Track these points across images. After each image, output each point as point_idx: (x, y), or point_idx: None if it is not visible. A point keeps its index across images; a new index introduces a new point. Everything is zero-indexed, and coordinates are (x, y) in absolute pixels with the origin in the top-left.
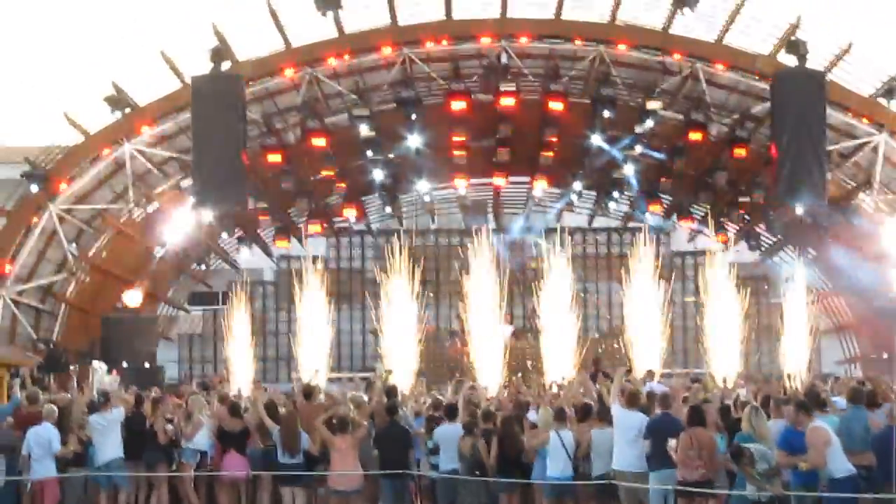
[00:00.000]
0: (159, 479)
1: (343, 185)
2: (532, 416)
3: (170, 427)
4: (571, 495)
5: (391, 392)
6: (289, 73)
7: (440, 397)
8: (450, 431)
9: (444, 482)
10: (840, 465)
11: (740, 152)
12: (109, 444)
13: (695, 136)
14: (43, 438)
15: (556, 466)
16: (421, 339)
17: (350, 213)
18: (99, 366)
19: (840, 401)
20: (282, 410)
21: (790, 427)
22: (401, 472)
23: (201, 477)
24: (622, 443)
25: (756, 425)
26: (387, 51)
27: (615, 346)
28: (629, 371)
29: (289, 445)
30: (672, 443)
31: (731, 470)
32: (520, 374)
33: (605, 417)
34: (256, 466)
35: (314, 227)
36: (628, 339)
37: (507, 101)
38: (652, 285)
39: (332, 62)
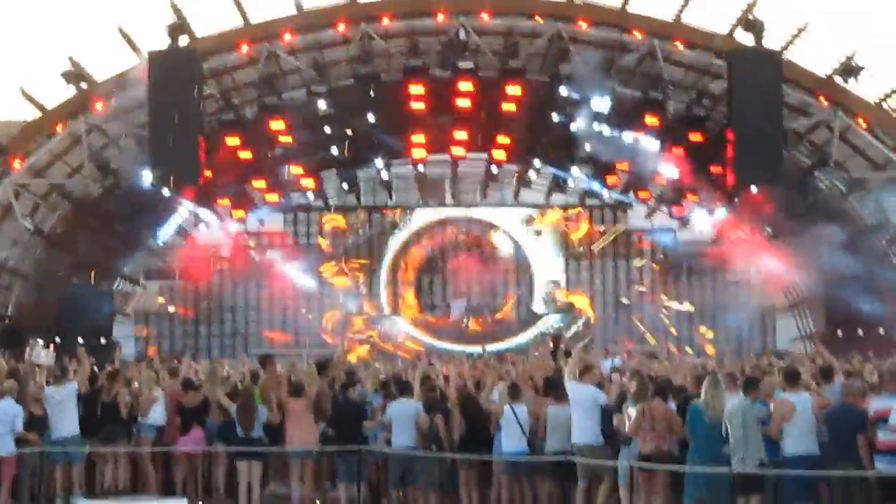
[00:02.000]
0: (118, 453)
1: (300, 161)
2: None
3: (128, 399)
4: (527, 471)
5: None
6: (246, 48)
7: (392, 373)
8: (404, 407)
9: (397, 458)
10: (796, 441)
11: (696, 136)
12: (65, 419)
13: (651, 119)
14: (7, 415)
15: (510, 441)
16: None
17: (308, 184)
18: (34, 342)
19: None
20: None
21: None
22: (355, 447)
23: (157, 451)
24: (578, 416)
25: (712, 395)
26: (344, 27)
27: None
28: (585, 348)
29: (245, 421)
30: (630, 411)
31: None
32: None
33: (561, 394)
34: (213, 440)
35: (272, 197)
36: (589, 316)
37: (465, 85)
38: (610, 264)
39: (290, 38)
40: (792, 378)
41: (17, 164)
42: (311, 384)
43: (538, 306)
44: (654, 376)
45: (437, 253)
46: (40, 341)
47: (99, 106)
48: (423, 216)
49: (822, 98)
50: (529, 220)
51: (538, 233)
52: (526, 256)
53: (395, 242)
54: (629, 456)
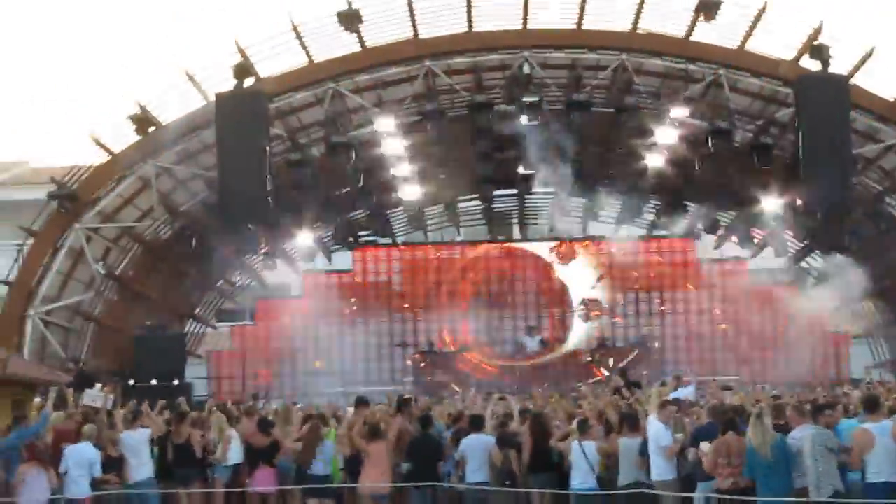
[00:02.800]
0: (192, 494)
1: (368, 199)
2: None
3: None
4: None
5: (406, 405)
6: (312, 88)
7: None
8: (477, 442)
9: (472, 493)
10: (877, 469)
11: (765, 165)
12: (140, 463)
13: (719, 143)
14: (83, 458)
15: (578, 477)
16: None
17: (374, 222)
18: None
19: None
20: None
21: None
22: (431, 483)
23: (231, 492)
24: (652, 452)
25: (757, 431)
26: (409, 64)
27: (647, 354)
28: (664, 383)
29: (305, 458)
30: (703, 446)
31: None
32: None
33: (633, 426)
34: (287, 479)
35: (339, 236)
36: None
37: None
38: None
39: (355, 77)
40: (871, 406)
41: (88, 208)
42: (390, 424)
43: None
44: (726, 409)
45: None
46: (97, 385)
47: (167, 149)
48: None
49: (891, 122)
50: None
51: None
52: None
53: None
54: (706, 490)
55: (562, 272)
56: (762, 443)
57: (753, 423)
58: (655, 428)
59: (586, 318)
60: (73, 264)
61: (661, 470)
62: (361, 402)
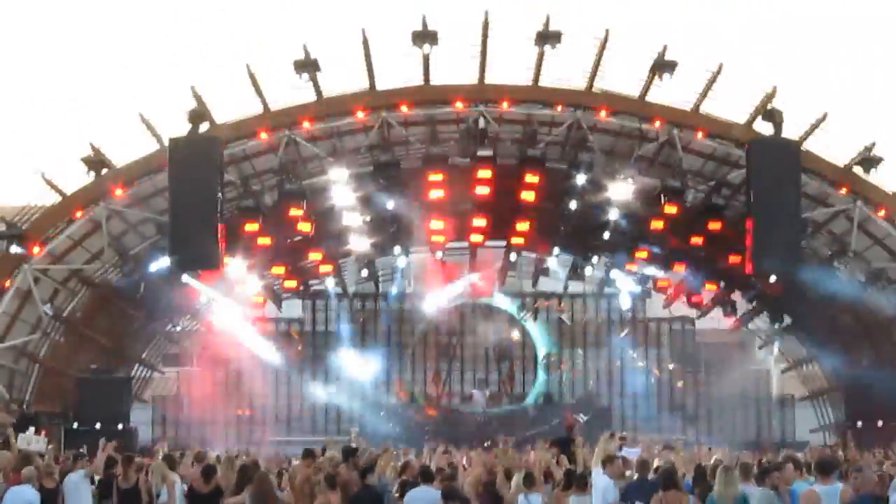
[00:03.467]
0: None
1: (320, 248)
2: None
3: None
4: None
5: (353, 453)
6: (266, 135)
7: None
8: (423, 494)
9: None
10: None
11: (715, 225)
12: None
13: (670, 208)
14: (23, 500)
15: None
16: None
17: (326, 270)
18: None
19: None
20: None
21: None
22: None
23: None
24: None
25: (725, 485)
26: (364, 115)
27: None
28: (612, 436)
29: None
30: None
31: None
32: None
33: (582, 485)
34: None
35: (290, 284)
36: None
37: (484, 173)
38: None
39: (310, 125)
40: (823, 469)
41: (36, 249)
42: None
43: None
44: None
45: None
46: (31, 428)
47: (119, 192)
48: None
49: (841, 188)
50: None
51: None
52: (534, 341)
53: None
54: None
55: (529, 327)
56: (725, 495)
57: (722, 473)
58: (604, 483)
59: (549, 370)
60: (21, 305)
61: None
62: (308, 454)
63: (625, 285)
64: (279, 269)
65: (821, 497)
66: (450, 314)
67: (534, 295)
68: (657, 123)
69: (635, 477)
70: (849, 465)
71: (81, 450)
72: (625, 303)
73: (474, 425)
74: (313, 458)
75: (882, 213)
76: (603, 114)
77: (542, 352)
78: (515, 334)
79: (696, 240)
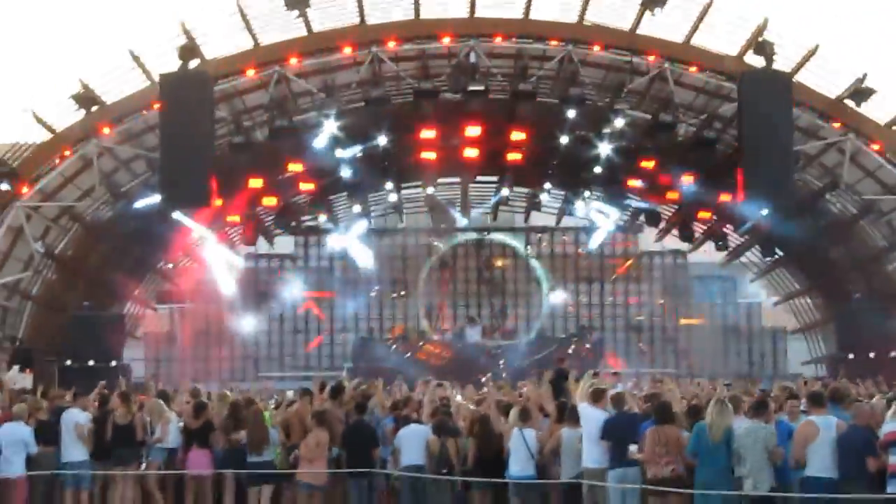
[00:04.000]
0: (127, 476)
1: (311, 184)
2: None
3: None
4: (537, 495)
5: (340, 392)
6: (256, 71)
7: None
8: (414, 431)
9: (408, 481)
10: (818, 464)
11: (708, 154)
12: (74, 443)
13: (662, 136)
14: (16, 437)
15: (517, 465)
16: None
17: (318, 207)
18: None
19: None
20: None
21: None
22: (366, 470)
23: (168, 474)
24: (588, 440)
25: (717, 415)
26: (355, 50)
27: (585, 345)
28: (596, 374)
29: (254, 444)
30: (633, 448)
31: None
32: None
33: (572, 418)
34: (222, 465)
35: (282, 220)
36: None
37: (476, 104)
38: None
39: (300, 61)
40: (816, 400)
41: (27, 187)
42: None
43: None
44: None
45: (451, 275)
46: (16, 366)
47: (109, 129)
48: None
49: (832, 121)
50: (536, 242)
51: (540, 255)
52: (536, 277)
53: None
54: (619, 478)
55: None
56: (717, 425)
57: (715, 404)
58: (596, 415)
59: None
60: (12, 242)
61: (597, 457)
62: (307, 392)
63: (610, 219)
64: (270, 201)
65: (819, 428)
66: (443, 249)
67: (526, 230)
68: (649, 57)
69: (613, 412)
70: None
71: (74, 389)
72: (596, 239)
73: (468, 359)
74: (311, 395)
75: (875, 146)
76: (595, 48)
77: (545, 287)
78: (509, 267)
79: (688, 174)
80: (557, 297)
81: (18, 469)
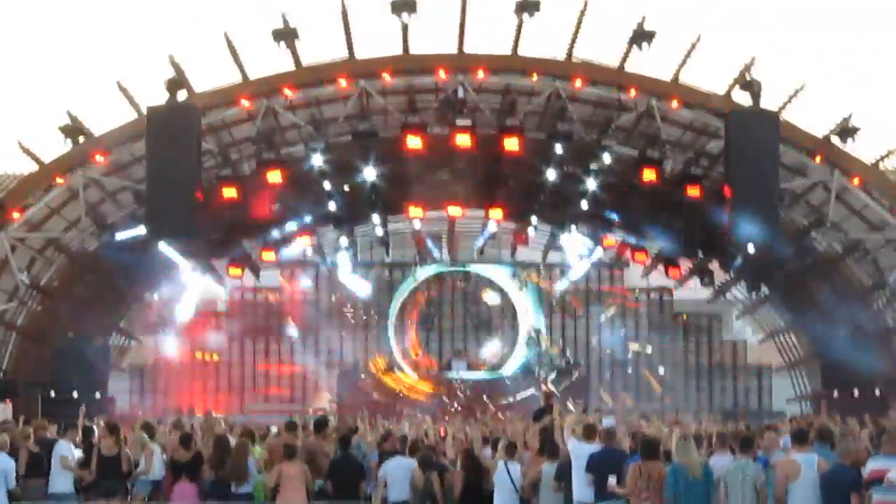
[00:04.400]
0: None
1: (297, 216)
2: (487, 453)
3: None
4: None
5: (323, 426)
6: (245, 104)
7: (389, 431)
8: (399, 464)
9: None
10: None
11: (693, 192)
12: (61, 475)
13: (649, 174)
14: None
15: (500, 498)
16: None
17: (304, 242)
18: None
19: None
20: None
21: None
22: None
23: None
24: (579, 475)
25: (683, 453)
26: (343, 84)
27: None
28: (585, 409)
29: (236, 475)
30: (612, 480)
31: None
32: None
33: (553, 452)
34: (207, 496)
35: (268, 256)
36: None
37: (463, 139)
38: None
39: (289, 94)
40: (799, 438)
41: (14, 217)
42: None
43: (522, 348)
44: (647, 436)
45: (433, 309)
46: None
47: (97, 160)
48: (422, 272)
49: (818, 158)
50: (523, 277)
51: (522, 287)
52: (515, 309)
53: (401, 292)
54: None
55: (515, 297)
56: (692, 463)
57: (679, 443)
58: (587, 450)
59: (535, 344)
60: None
61: (588, 492)
62: (292, 426)
63: (596, 255)
64: (257, 239)
65: (800, 465)
66: (429, 283)
67: (513, 264)
68: (635, 93)
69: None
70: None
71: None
72: (582, 275)
73: (453, 394)
74: (296, 429)
75: (859, 183)
76: (581, 83)
77: (528, 322)
78: (495, 303)
79: (674, 210)
80: (543, 332)
81: (2, 501)
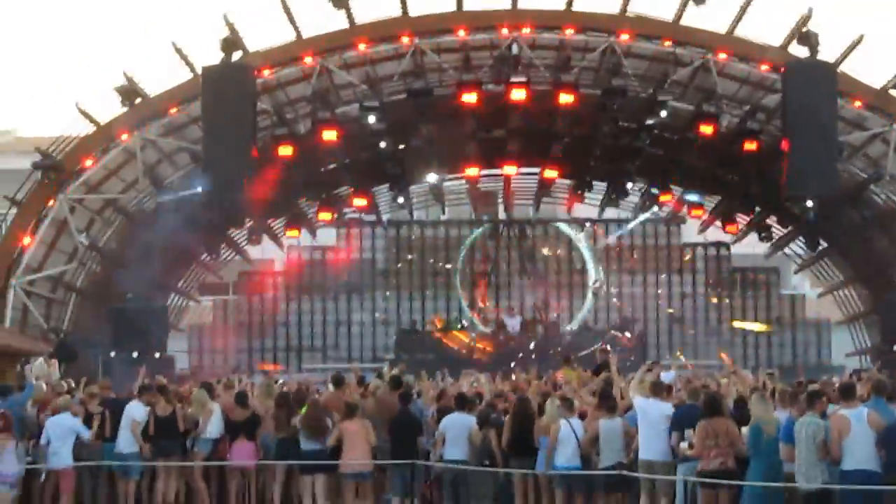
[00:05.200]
0: (170, 467)
1: (353, 175)
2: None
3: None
4: (582, 485)
5: (400, 384)
6: (300, 63)
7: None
8: (457, 420)
9: (451, 472)
10: (855, 456)
11: (751, 146)
12: (124, 434)
13: (706, 128)
14: (64, 429)
15: (564, 455)
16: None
17: (360, 203)
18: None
19: None
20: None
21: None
22: (409, 461)
23: (210, 465)
24: (650, 433)
25: (762, 410)
26: (398, 41)
27: (628, 337)
28: (650, 368)
29: (314, 433)
30: (684, 445)
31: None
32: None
33: (612, 407)
34: (271, 455)
35: (325, 216)
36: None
37: (518, 94)
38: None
39: (343, 53)
40: (847, 393)
41: (72, 178)
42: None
43: (580, 305)
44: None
45: (492, 265)
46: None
47: (153, 121)
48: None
49: (877, 111)
50: (580, 233)
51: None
52: (573, 266)
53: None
54: (685, 472)
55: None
56: (769, 420)
57: (759, 401)
58: (658, 407)
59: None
60: (57, 235)
61: (661, 449)
62: (339, 381)
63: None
64: (313, 198)
65: (850, 421)
66: (486, 239)
67: (569, 221)
68: (691, 48)
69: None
70: None
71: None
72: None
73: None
74: (343, 383)
75: None
76: (636, 38)
77: (587, 279)
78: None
79: (731, 165)
80: (601, 289)
81: (66, 460)
